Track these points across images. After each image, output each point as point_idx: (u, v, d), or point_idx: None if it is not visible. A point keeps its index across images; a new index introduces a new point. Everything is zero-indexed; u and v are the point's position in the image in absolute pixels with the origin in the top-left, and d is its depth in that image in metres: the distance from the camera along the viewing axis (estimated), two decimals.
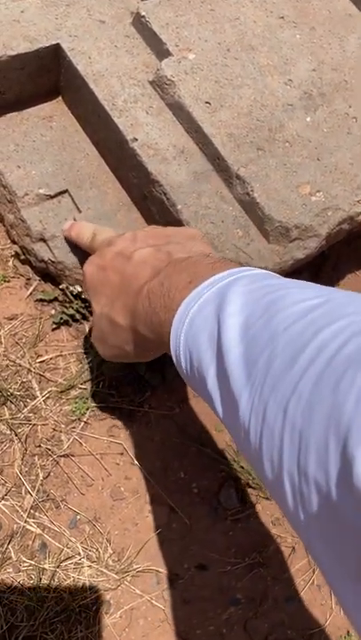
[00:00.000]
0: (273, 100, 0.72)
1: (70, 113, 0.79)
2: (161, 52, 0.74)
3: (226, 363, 0.33)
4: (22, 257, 0.77)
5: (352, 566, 0.25)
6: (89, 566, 0.64)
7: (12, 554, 0.62)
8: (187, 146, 0.70)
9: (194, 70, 0.71)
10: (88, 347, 0.77)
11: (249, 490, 0.74)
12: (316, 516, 0.26)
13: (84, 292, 0.60)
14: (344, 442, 0.23)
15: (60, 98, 0.80)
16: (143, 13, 0.74)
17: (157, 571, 0.67)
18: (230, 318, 0.35)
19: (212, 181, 0.69)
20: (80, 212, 0.73)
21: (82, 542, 0.65)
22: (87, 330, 0.78)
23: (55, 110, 0.79)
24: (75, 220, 0.72)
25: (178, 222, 0.68)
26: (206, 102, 0.70)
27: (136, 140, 0.69)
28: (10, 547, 0.63)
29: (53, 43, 0.72)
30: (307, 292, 0.34)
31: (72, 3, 0.75)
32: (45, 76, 0.76)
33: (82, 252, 0.70)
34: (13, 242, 0.79)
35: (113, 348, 0.57)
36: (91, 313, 0.77)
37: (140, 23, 0.75)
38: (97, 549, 0.65)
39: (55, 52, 0.73)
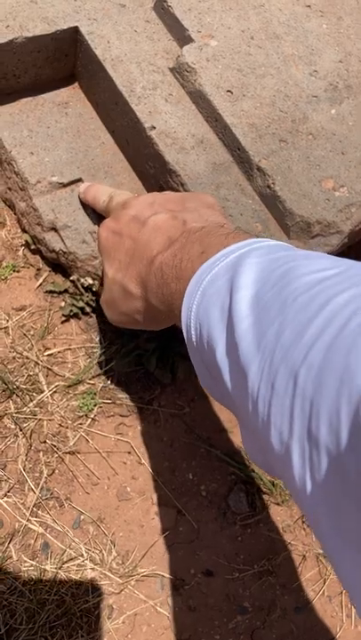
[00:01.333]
0: (297, 90, 0.70)
1: (87, 99, 0.77)
2: (182, 38, 0.71)
3: (236, 334, 0.32)
4: (33, 246, 0.75)
5: (357, 539, 0.24)
6: (92, 568, 0.61)
7: (13, 553, 0.60)
8: (206, 135, 0.68)
9: (216, 58, 0.69)
10: (97, 341, 0.74)
11: (259, 495, 0.71)
12: (325, 486, 0.25)
13: (99, 254, 0.59)
14: (356, 406, 0.23)
15: (76, 83, 0.77)
16: None
17: (163, 575, 0.64)
18: (242, 290, 0.34)
19: (232, 173, 0.66)
20: None
21: (85, 543, 0.63)
22: (97, 323, 0.75)
23: (71, 96, 0.76)
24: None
25: None
26: (228, 91, 0.67)
27: (154, 128, 0.66)
28: (11, 545, 0.60)
29: (72, 25, 0.69)
30: (323, 263, 0.33)
31: None
32: (62, 61, 0.74)
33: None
34: (24, 230, 0.76)
35: (122, 315, 0.56)
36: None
37: (161, 8, 0.72)
38: (101, 551, 0.63)
39: (73, 36, 0.71)
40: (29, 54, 0.70)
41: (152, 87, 0.68)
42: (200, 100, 0.68)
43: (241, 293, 0.34)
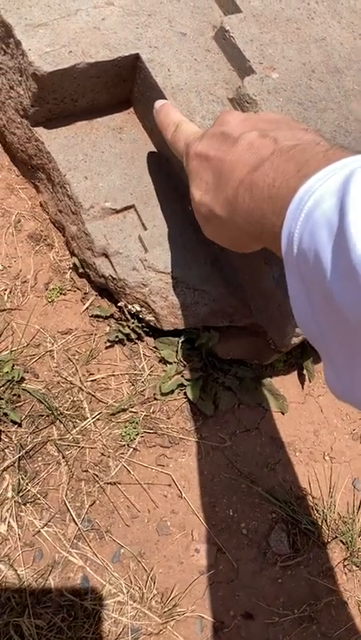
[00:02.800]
0: (358, 126, 0.69)
1: (141, 125, 0.76)
2: (243, 68, 0.70)
3: (352, 258, 0.31)
4: (80, 270, 0.75)
5: None
6: (132, 606, 0.60)
7: (53, 586, 0.59)
8: None
9: (277, 90, 0.68)
10: (140, 368, 0.73)
11: (301, 535, 0.69)
12: None
13: (185, 171, 0.57)
14: None
15: (131, 109, 0.77)
16: (228, 28, 0.71)
17: (202, 617, 0.62)
18: (355, 210, 0.31)
19: None
20: (146, 229, 0.70)
21: (125, 579, 0.62)
22: (141, 350, 0.74)
23: (126, 121, 0.76)
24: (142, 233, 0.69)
25: None
26: None
27: None
28: (50, 578, 0.59)
29: (133, 52, 0.69)
30: None
31: (153, 13, 0.73)
32: (120, 86, 0.73)
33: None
34: (72, 254, 0.76)
35: (213, 235, 0.55)
36: (146, 333, 0.74)
37: (223, 38, 0.72)
38: (140, 588, 0.61)
39: (133, 63, 0.70)
40: (89, 79, 0.70)
41: (211, 117, 0.68)
42: None
43: (354, 213, 0.31)
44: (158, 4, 0.74)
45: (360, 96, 0.71)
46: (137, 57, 0.70)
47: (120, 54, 0.69)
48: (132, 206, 0.71)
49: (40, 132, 0.72)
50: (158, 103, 0.64)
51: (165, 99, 0.68)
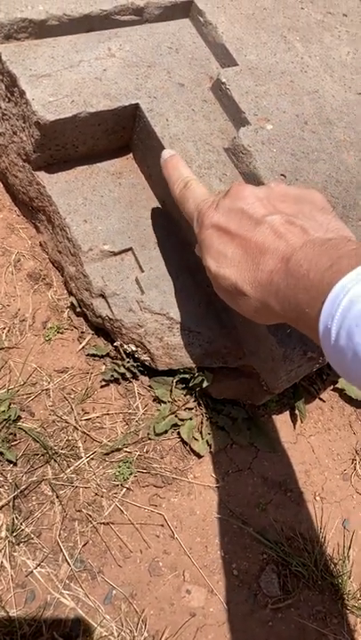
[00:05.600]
0: (348, 176, 0.71)
1: (140, 171, 0.79)
2: (238, 119, 0.73)
3: None
4: (78, 309, 0.76)
5: None
6: None
7: (44, 629, 0.59)
8: None
9: (271, 141, 0.71)
10: (135, 407, 0.75)
11: (291, 577, 0.70)
12: None
13: (197, 247, 0.57)
14: None
15: (130, 155, 0.80)
16: (224, 80, 0.74)
17: None
18: None
19: None
20: (143, 271, 0.72)
21: (116, 621, 0.62)
22: (136, 389, 0.76)
23: (125, 167, 0.79)
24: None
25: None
26: (281, 175, 0.69)
27: None
28: (42, 620, 0.60)
29: (133, 102, 0.72)
30: None
31: (153, 64, 0.76)
32: (119, 133, 0.76)
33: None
34: (70, 293, 0.78)
35: (232, 304, 0.55)
36: (141, 372, 0.76)
37: (219, 89, 0.75)
38: (131, 631, 0.62)
39: (133, 111, 0.73)
40: (90, 127, 0.72)
41: (207, 166, 0.70)
42: (253, 181, 0.70)
43: None
44: (158, 56, 0.77)
45: (351, 147, 0.73)
46: (137, 106, 0.73)
47: (120, 104, 0.71)
48: (130, 249, 0.73)
49: (41, 176, 0.75)
50: (166, 153, 0.64)
51: (164, 147, 0.71)
